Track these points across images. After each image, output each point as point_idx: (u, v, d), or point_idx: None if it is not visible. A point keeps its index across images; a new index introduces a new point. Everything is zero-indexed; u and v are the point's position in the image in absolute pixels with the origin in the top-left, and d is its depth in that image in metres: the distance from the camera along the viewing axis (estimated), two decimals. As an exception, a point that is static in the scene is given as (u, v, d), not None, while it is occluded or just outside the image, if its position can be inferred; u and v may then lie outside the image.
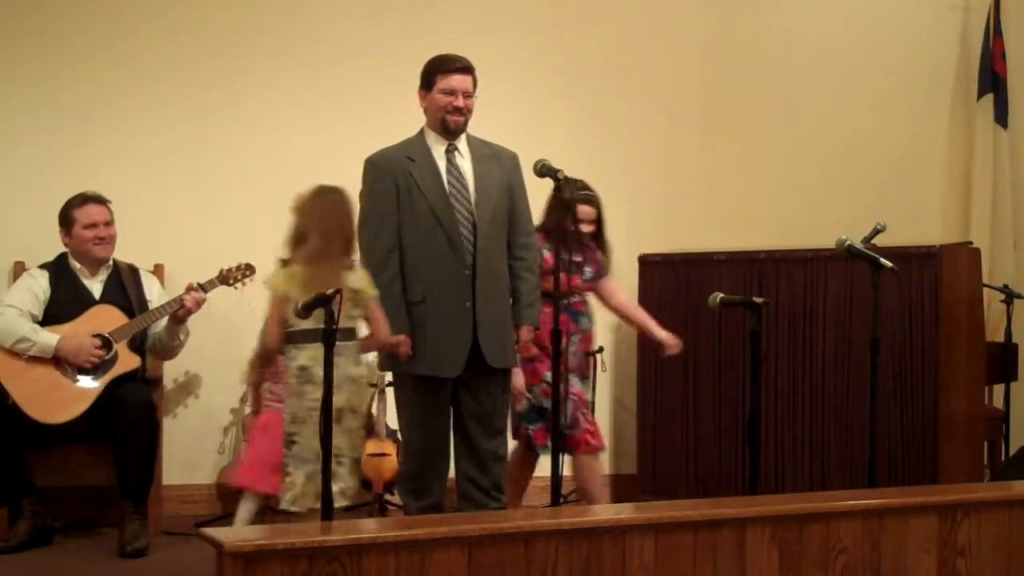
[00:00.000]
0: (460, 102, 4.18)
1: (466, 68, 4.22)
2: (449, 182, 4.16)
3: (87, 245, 4.86)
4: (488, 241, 4.17)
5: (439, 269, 4.13)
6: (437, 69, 4.20)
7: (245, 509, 4.34)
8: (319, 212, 4.06)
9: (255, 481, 4.31)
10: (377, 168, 4.21)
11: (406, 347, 4.09)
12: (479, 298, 4.12)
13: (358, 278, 4.03)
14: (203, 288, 4.86)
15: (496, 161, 4.25)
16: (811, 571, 3.04)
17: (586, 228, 4.85)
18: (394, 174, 4.16)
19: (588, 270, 4.86)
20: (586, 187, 4.81)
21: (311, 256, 3.98)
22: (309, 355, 3.87)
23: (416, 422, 4.19)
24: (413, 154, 4.19)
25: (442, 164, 4.19)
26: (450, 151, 4.20)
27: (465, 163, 4.22)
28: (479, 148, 4.26)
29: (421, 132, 4.27)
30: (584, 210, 4.80)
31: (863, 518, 3.11)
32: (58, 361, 4.66)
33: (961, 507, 3.23)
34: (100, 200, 4.91)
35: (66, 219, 4.87)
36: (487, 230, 4.17)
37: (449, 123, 4.17)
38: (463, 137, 4.23)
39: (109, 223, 4.90)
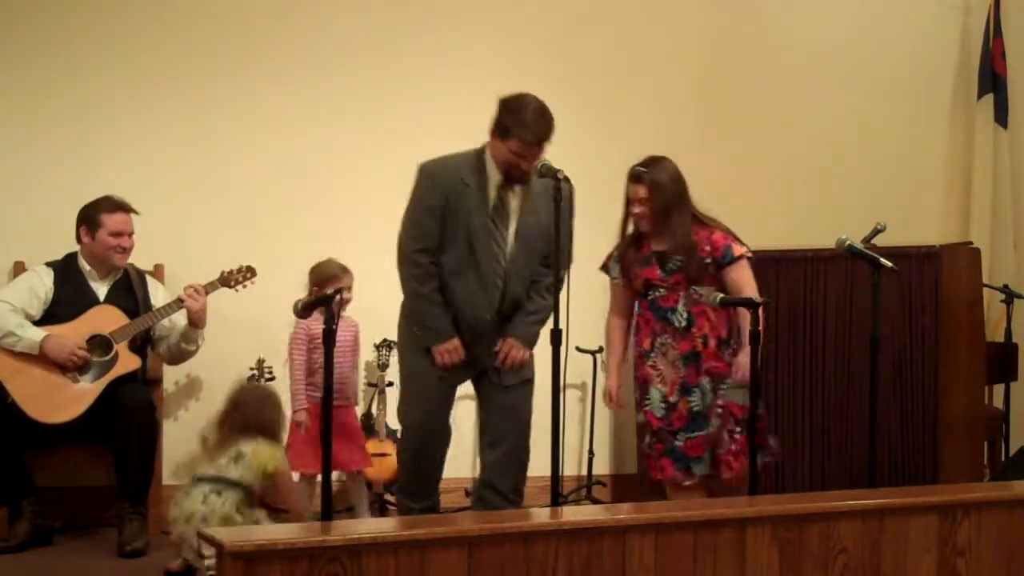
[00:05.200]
0: (527, 166, 4.13)
1: (544, 140, 4.09)
2: (493, 219, 4.17)
3: (108, 252, 4.85)
4: (519, 288, 4.24)
5: (465, 305, 4.18)
6: (517, 134, 4.06)
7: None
8: None
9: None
10: (431, 181, 4.19)
11: (459, 351, 4.20)
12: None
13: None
14: (203, 289, 4.87)
15: (548, 198, 4.00)
16: (811, 571, 3.04)
17: (637, 209, 4.37)
18: (445, 193, 4.15)
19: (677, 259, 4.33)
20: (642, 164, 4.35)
21: None
22: None
23: (418, 402, 4.27)
24: (469, 178, 4.16)
25: (492, 195, 4.17)
26: (504, 186, 4.18)
27: (515, 202, 4.20)
28: (535, 183, 4.17)
29: (483, 152, 4.21)
30: (632, 190, 4.36)
31: (863, 518, 3.11)
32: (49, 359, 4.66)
33: (961, 507, 3.24)
34: (129, 209, 4.91)
35: (92, 220, 4.85)
36: (519, 275, 4.22)
37: (512, 175, 4.16)
38: None
39: (132, 233, 4.91)
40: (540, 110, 4.11)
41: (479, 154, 4.21)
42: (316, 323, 4.71)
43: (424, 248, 4.19)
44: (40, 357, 4.64)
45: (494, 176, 4.17)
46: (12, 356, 4.64)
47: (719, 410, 4.28)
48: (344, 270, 4.98)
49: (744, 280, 4.33)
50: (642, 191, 4.30)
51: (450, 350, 4.20)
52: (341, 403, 4.90)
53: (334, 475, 5.23)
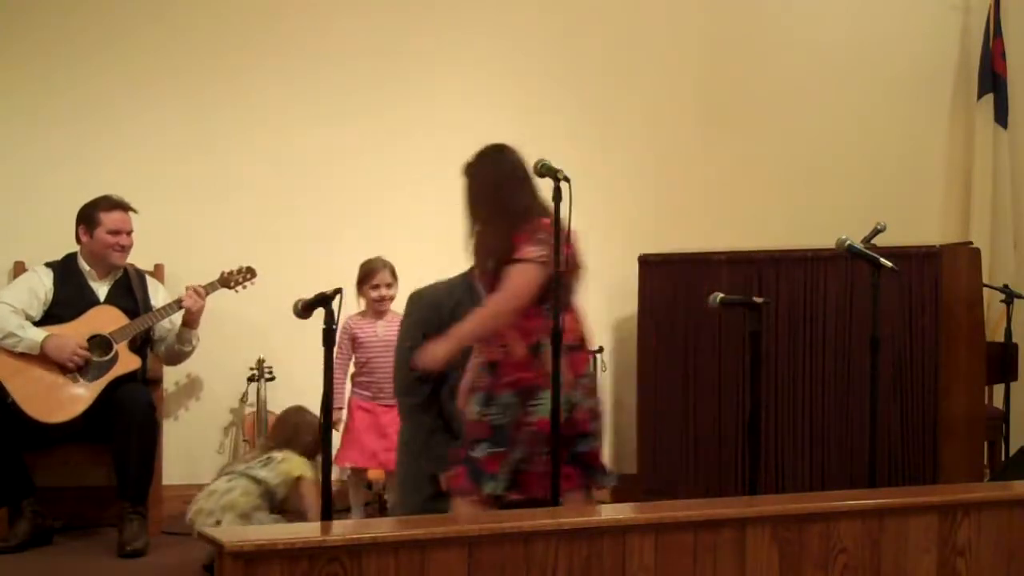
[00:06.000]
0: None
1: None
2: None
3: (107, 250, 4.86)
4: None
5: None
6: None
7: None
8: None
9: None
10: (424, 310, 4.16)
11: None
12: None
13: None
14: (204, 290, 4.88)
15: None
16: (811, 571, 3.04)
17: None
18: (440, 320, 4.04)
19: None
20: None
21: None
22: None
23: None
24: (461, 301, 4.07)
25: None
26: None
27: None
28: None
29: (472, 275, 4.11)
30: None
31: (863, 518, 3.11)
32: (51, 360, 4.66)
33: (961, 507, 3.24)
34: (128, 208, 4.92)
35: (91, 219, 4.86)
36: None
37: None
38: None
39: (131, 232, 4.91)
40: None
41: (467, 277, 4.14)
42: (359, 324, 4.97)
43: (423, 376, 4.12)
44: (40, 357, 4.64)
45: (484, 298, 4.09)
46: (12, 356, 4.64)
47: (532, 428, 3.65)
48: (384, 265, 5.06)
49: (509, 283, 3.67)
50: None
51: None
52: (386, 402, 4.97)
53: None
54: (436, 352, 3.75)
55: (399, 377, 4.24)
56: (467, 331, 3.74)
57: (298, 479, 4.52)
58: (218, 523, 4.22)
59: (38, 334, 4.65)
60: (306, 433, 4.67)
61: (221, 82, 5.55)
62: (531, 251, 3.69)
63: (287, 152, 5.60)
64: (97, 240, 4.85)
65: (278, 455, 4.52)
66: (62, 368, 4.65)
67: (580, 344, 3.82)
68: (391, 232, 5.54)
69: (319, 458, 4.65)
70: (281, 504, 4.48)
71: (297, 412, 4.77)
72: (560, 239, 3.59)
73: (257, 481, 4.39)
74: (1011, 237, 6.63)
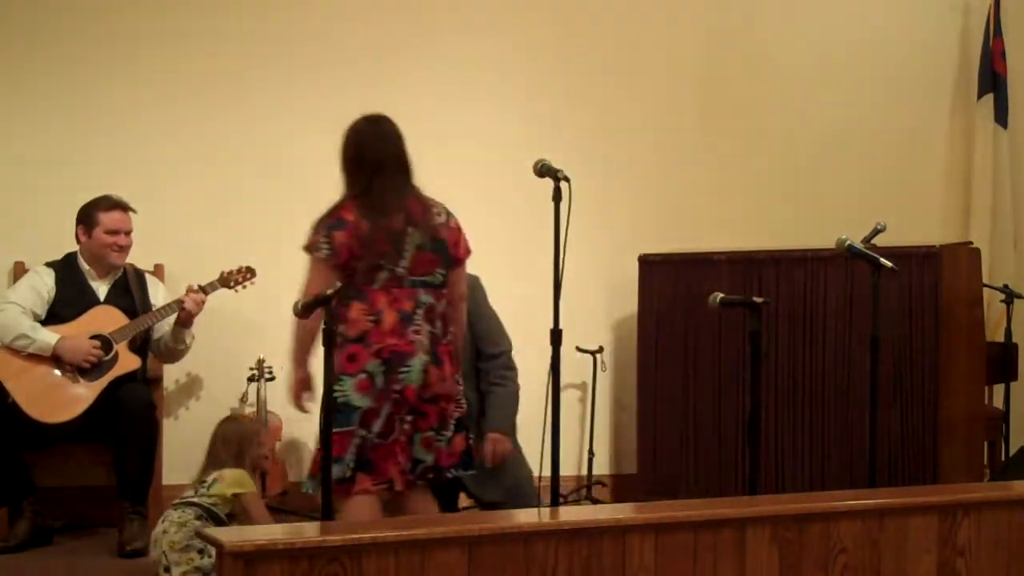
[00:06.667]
0: None
1: None
2: None
3: (105, 250, 4.86)
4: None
5: None
6: None
7: None
8: None
9: None
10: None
11: None
12: None
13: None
14: (203, 290, 4.88)
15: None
16: (811, 571, 3.05)
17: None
18: None
19: None
20: None
21: None
22: None
23: None
24: None
25: None
26: None
27: None
28: None
29: None
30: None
31: (863, 518, 3.11)
32: (58, 361, 4.67)
33: (961, 507, 3.24)
34: (126, 208, 4.92)
35: (89, 218, 4.86)
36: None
37: None
38: None
39: (129, 232, 4.91)
40: None
41: None
42: None
43: None
44: (40, 357, 4.64)
45: None
46: (13, 356, 4.64)
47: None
48: None
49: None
50: None
51: None
52: None
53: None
54: (296, 377, 3.63)
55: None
56: (293, 346, 3.64)
57: (238, 498, 4.32)
58: (167, 570, 4.07)
59: (50, 336, 4.66)
60: (228, 446, 4.46)
61: (222, 82, 5.54)
62: (308, 241, 3.63)
63: (288, 152, 5.59)
64: (95, 240, 4.85)
65: (210, 477, 4.35)
66: (62, 368, 4.66)
67: (359, 338, 3.61)
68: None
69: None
70: (230, 519, 4.32)
71: (220, 426, 4.62)
72: (354, 221, 3.60)
73: (201, 508, 4.25)
74: (1011, 237, 6.63)
